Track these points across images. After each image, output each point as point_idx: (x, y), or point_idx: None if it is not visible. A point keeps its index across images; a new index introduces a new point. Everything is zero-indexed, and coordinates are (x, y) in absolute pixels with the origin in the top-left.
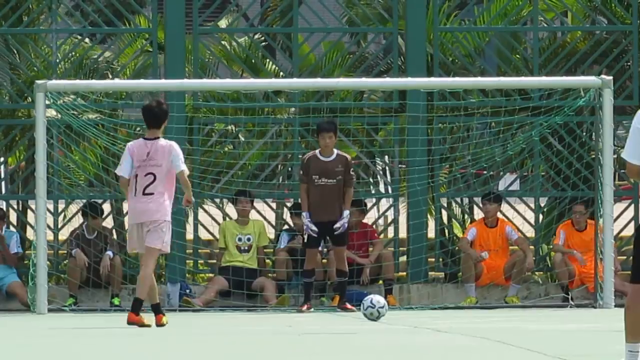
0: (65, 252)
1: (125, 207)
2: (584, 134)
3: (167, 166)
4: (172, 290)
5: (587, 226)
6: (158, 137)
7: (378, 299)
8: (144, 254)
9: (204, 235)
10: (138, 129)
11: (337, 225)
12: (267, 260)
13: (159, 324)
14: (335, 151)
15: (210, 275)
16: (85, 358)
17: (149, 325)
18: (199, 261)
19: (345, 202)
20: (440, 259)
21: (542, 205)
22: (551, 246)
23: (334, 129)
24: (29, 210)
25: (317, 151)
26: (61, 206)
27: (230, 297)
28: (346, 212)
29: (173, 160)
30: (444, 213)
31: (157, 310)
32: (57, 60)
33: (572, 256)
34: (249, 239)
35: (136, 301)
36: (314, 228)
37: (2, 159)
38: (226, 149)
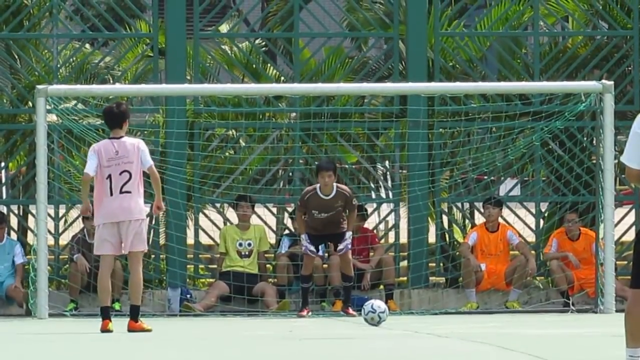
0: (66, 257)
1: None
2: (585, 138)
3: (138, 163)
4: (172, 295)
5: (581, 235)
6: (122, 136)
7: (379, 304)
8: (131, 259)
9: (204, 240)
10: (138, 133)
11: (340, 247)
12: (268, 265)
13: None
14: (335, 187)
15: (211, 280)
16: None
17: (150, 330)
18: (200, 266)
19: (347, 225)
20: (441, 264)
21: (543, 210)
22: (542, 255)
23: (333, 167)
24: (29, 215)
25: (317, 187)
26: (62, 211)
27: (231, 302)
28: (348, 234)
29: (142, 156)
30: (445, 218)
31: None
32: (58, 65)
33: (569, 261)
34: (249, 244)
35: (133, 308)
36: (312, 249)
37: (2, 163)
38: (227, 153)
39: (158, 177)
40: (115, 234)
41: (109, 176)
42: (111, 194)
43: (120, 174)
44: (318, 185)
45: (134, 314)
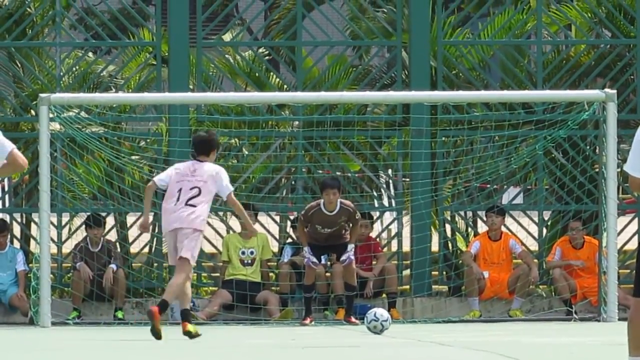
0: (69, 265)
1: (130, 220)
2: (588, 147)
3: (211, 186)
4: (175, 304)
5: (585, 244)
6: (205, 162)
7: (381, 312)
8: (177, 265)
9: (207, 248)
10: (141, 142)
11: (343, 258)
12: (271, 274)
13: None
14: (339, 203)
15: (214, 288)
16: None
17: (199, 335)
18: (203, 274)
19: (350, 237)
20: (444, 273)
21: (546, 218)
22: (545, 263)
23: (337, 185)
24: (32, 224)
25: (321, 203)
26: (65, 219)
27: (234, 310)
28: (350, 246)
29: (219, 183)
30: (448, 226)
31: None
32: (61, 74)
33: (572, 270)
34: (252, 252)
35: (182, 312)
36: (315, 260)
37: None
38: (230, 162)
39: (238, 204)
40: (172, 243)
41: (180, 189)
42: (175, 204)
43: (191, 189)
44: (322, 201)
45: (184, 316)
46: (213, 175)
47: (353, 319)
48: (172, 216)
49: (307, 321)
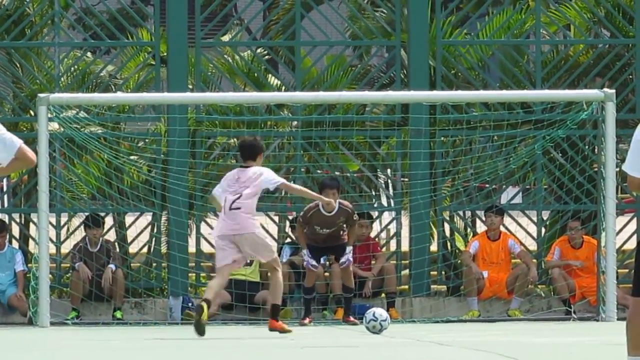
0: (68, 265)
1: (128, 220)
2: (587, 147)
3: (254, 188)
4: (174, 303)
5: (583, 244)
6: (250, 166)
7: (380, 312)
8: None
9: (206, 248)
10: (140, 142)
11: (342, 260)
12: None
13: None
14: (337, 204)
15: None
16: None
17: (290, 331)
18: (202, 274)
19: (348, 239)
20: (443, 272)
21: (545, 218)
22: (543, 263)
23: (337, 185)
24: (31, 224)
25: (319, 203)
26: (63, 219)
27: (233, 310)
28: (349, 248)
29: (263, 180)
30: (447, 226)
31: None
32: (60, 74)
33: (571, 270)
34: None
35: (274, 307)
36: (314, 263)
37: None
38: (229, 162)
39: (294, 187)
40: (228, 245)
41: (226, 198)
42: (224, 212)
43: (234, 195)
44: (321, 203)
45: (275, 313)
46: (254, 177)
47: (352, 319)
48: (224, 223)
49: (306, 321)
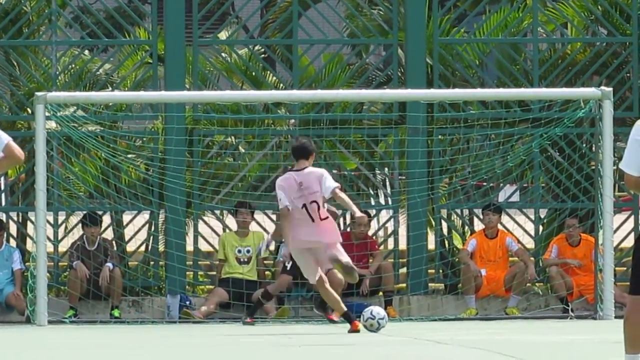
0: (66, 264)
1: (126, 219)
2: (584, 145)
3: (320, 192)
4: (172, 302)
5: (581, 241)
6: (306, 167)
7: (378, 310)
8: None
9: (204, 247)
10: (138, 141)
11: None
12: (267, 272)
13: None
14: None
15: (210, 287)
16: None
17: (358, 331)
18: (199, 273)
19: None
20: (440, 271)
21: (542, 216)
22: (541, 261)
23: None
24: (29, 222)
25: None
26: (61, 218)
27: (230, 308)
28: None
29: (323, 184)
30: (444, 224)
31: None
32: (57, 72)
33: (569, 267)
34: (248, 251)
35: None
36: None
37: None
38: (226, 160)
39: (343, 197)
40: (314, 255)
41: (304, 205)
42: (313, 221)
43: (311, 203)
44: None
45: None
46: (319, 179)
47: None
48: (309, 231)
49: (248, 320)
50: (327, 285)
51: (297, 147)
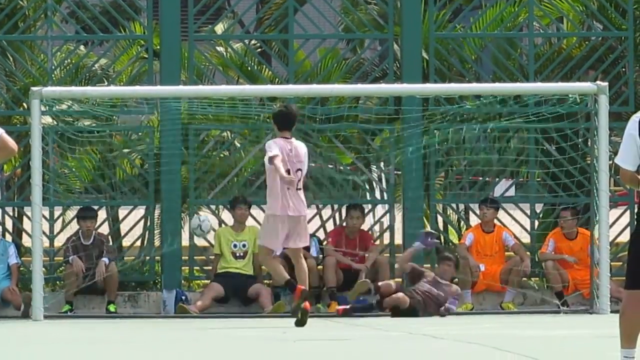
0: (62, 258)
1: (122, 213)
2: (580, 140)
3: (305, 169)
4: (167, 297)
5: (578, 235)
6: (291, 138)
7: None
8: (295, 254)
9: (199, 241)
10: (133, 135)
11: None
12: (263, 267)
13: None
14: None
15: (206, 281)
16: None
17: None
18: (195, 268)
19: None
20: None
21: (538, 211)
22: (537, 256)
23: None
24: (24, 217)
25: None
26: (57, 213)
27: (226, 303)
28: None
29: (306, 162)
30: (440, 219)
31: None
32: (53, 67)
33: (564, 262)
34: (244, 245)
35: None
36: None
37: None
38: (222, 155)
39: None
40: (285, 229)
41: (288, 171)
42: (297, 189)
43: (296, 171)
44: None
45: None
46: (305, 154)
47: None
48: (288, 201)
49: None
50: (272, 256)
51: (285, 115)
